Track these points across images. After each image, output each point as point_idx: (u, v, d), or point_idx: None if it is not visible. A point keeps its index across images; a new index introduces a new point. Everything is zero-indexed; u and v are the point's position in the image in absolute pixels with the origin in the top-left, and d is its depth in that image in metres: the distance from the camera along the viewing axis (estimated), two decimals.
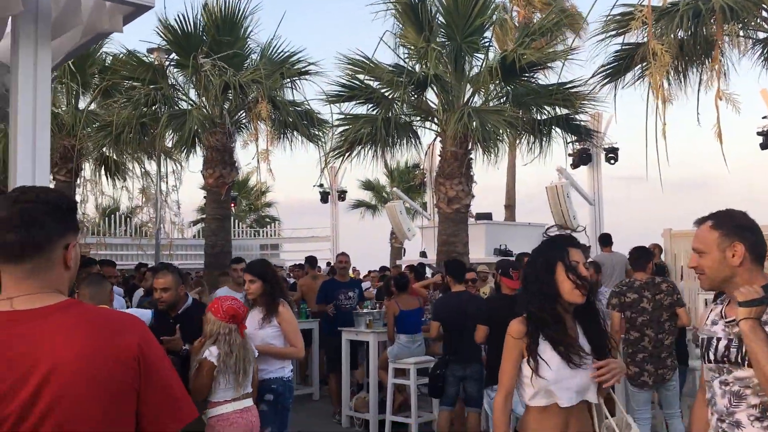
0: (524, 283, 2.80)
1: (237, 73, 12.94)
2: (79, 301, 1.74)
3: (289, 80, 13.80)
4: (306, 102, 14.03)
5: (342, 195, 32.13)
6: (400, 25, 11.13)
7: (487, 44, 10.97)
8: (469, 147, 11.02)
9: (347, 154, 11.72)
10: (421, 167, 29.88)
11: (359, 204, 33.87)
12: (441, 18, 10.81)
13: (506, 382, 2.67)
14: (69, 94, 15.57)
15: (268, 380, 4.61)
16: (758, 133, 11.93)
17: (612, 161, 18.24)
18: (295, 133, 14.56)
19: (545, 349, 2.58)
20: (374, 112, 11.37)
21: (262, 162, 12.91)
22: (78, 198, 16.59)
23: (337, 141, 11.40)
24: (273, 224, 40.18)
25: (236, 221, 33.67)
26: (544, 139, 11.05)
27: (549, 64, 10.58)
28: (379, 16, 10.52)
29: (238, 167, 14.49)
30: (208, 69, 12.83)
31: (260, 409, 4.43)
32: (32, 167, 5.06)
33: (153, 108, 13.29)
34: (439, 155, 11.38)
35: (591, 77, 9.58)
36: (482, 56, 10.97)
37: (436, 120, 11.46)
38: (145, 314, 4.72)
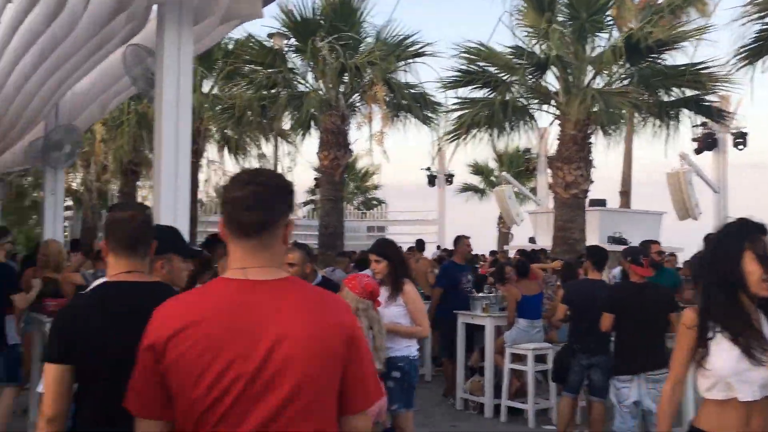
0: (700, 270, 2.66)
1: (353, 55, 13.13)
2: (296, 277, 1.88)
3: (403, 63, 13.86)
4: (420, 85, 14.05)
5: (449, 178, 32.02)
6: (523, 5, 10.89)
7: (611, 23, 10.56)
8: (589, 131, 10.69)
9: (462, 138, 11.65)
10: (533, 152, 29.32)
11: (467, 188, 33.58)
12: None
13: (676, 371, 2.57)
14: (195, 77, 16.27)
15: (395, 358, 4.67)
16: None
17: (740, 147, 17.23)
18: (408, 115, 14.63)
19: (721, 341, 2.45)
20: (490, 96, 11.22)
21: (377, 144, 13.10)
22: (202, 178, 17.43)
23: (452, 124, 11.34)
24: (379, 207, 40.58)
25: (344, 203, 34.14)
26: (671, 122, 10.54)
27: (677, 44, 10.06)
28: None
29: (351, 149, 14.75)
30: (326, 53, 13.09)
31: (387, 386, 4.50)
32: (175, 144, 5.35)
33: (272, 91, 13.69)
34: (557, 138, 11.10)
35: (733, 57, 9.00)
36: (606, 36, 10.59)
37: (554, 103, 11.18)
38: None
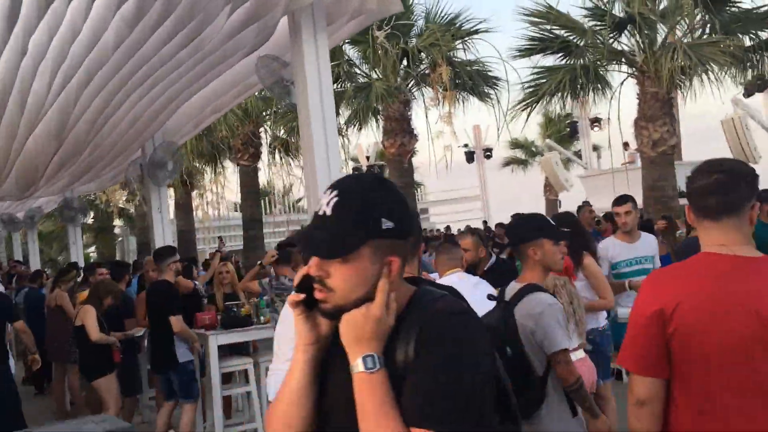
0: None
1: (410, 40, 13.11)
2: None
3: (460, 41, 13.80)
4: (479, 61, 13.98)
5: (488, 153, 31.89)
6: None
7: None
8: (674, 85, 10.58)
9: (534, 105, 11.62)
10: (574, 116, 29.02)
11: (510, 161, 33.40)
12: None
13: None
14: None
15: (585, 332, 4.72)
16: None
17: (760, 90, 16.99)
18: (465, 93, 14.58)
19: None
20: (563, 62, 11.14)
21: (446, 125, 13.09)
22: (264, 180, 17.59)
23: (527, 93, 11.28)
24: (418, 189, 40.57)
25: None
26: (756, 67, 10.40)
27: None
28: None
29: (416, 134, 14.76)
30: (383, 41, 13.09)
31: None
32: (326, 148, 5.39)
33: (336, 85, 13.73)
34: (637, 98, 10.99)
35: None
36: None
37: (626, 62, 11.06)
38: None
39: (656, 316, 1.86)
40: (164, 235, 9.17)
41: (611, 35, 10.54)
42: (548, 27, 11.05)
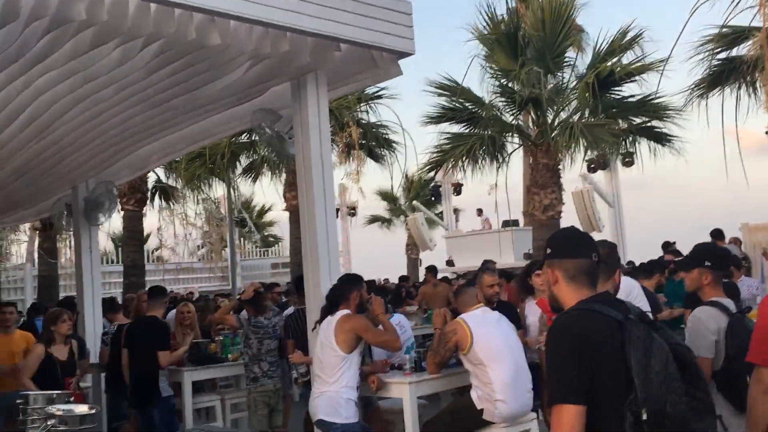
0: None
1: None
2: None
3: (365, 104, 14.79)
4: (379, 123, 15.04)
5: (352, 211, 33.01)
6: (490, 51, 12.19)
7: (572, 63, 12.10)
8: (558, 158, 12.09)
9: (437, 168, 12.73)
10: (437, 180, 30.94)
11: (375, 219, 34.68)
12: (531, 42, 11.89)
13: None
14: None
15: None
16: None
17: (628, 164, 19.57)
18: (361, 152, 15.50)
19: None
20: (466, 131, 12.38)
21: (353, 182, 13.88)
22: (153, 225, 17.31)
23: (434, 157, 12.38)
24: (278, 244, 40.66)
25: (243, 241, 34.07)
26: (629, 147, 12.17)
27: (636, 77, 11.68)
28: (470, 45, 11.43)
29: None
30: None
31: None
32: (323, 199, 5.88)
33: (243, 136, 14.13)
34: (531, 167, 12.41)
35: (688, 88, 10.72)
36: (568, 74, 12.10)
37: (520, 135, 12.51)
38: None
39: None
40: (93, 278, 8.96)
41: (511, 112, 11.94)
42: (453, 99, 12.27)
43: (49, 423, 2.90)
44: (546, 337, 2.51)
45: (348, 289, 4.86)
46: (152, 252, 27.37)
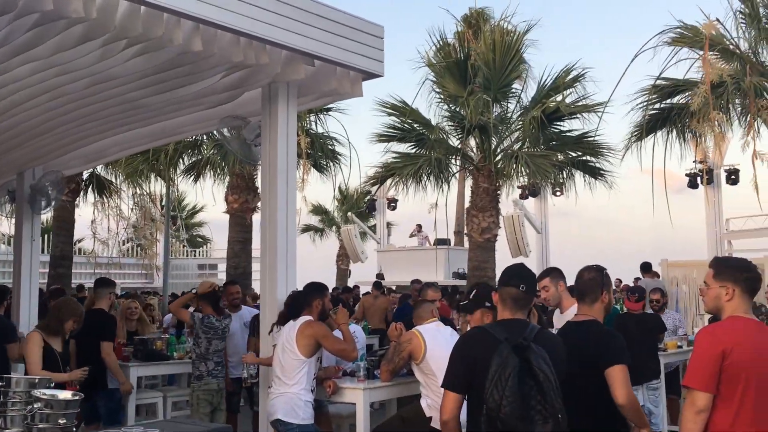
0: None
1: None
2: None
3: (314, 114, 14.97)
4: (327, 134, 15.27)
5: None
6: (439, 78, 12.65)
7: (519, 94, 12.70)
8: (498, 183, 12.62)
9: (381, 184, 13.07)
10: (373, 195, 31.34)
11: (308, 228, 34.69)
12: (480, 71, 12.41)
13: None
14: None
15: None
16: None
17: (557, 194, 20.46)
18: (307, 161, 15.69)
19: None
20: (413, 151, 12.77)
21: (299, 191, 14.02)
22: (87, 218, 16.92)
23: (381, 172, 12.70)
24: (206, 244, 40.09)
25: (171, 239, 33.54)
26: (564, 178, 12.83)
27: (576, 115, 12.33)
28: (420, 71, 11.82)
29: (259, 193, 15.45)
30: None
31: None
32: (285, 206, 6.07)
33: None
34: (472, 190, 12.88)
35: (634, 133, 11.43)
36: (513, 104, 12.68)
37: (464, 158, 12.98)
38: None
39: (721, 352, 2.79)
40: (32, 267, 8.82)
41: (458, 136, 12.41)
42: (402, 120, 12.65)
43: (35, 406, 3.00)
44: None
45: (312, 296, 5.07)
46: (76, 243, 26.65)
